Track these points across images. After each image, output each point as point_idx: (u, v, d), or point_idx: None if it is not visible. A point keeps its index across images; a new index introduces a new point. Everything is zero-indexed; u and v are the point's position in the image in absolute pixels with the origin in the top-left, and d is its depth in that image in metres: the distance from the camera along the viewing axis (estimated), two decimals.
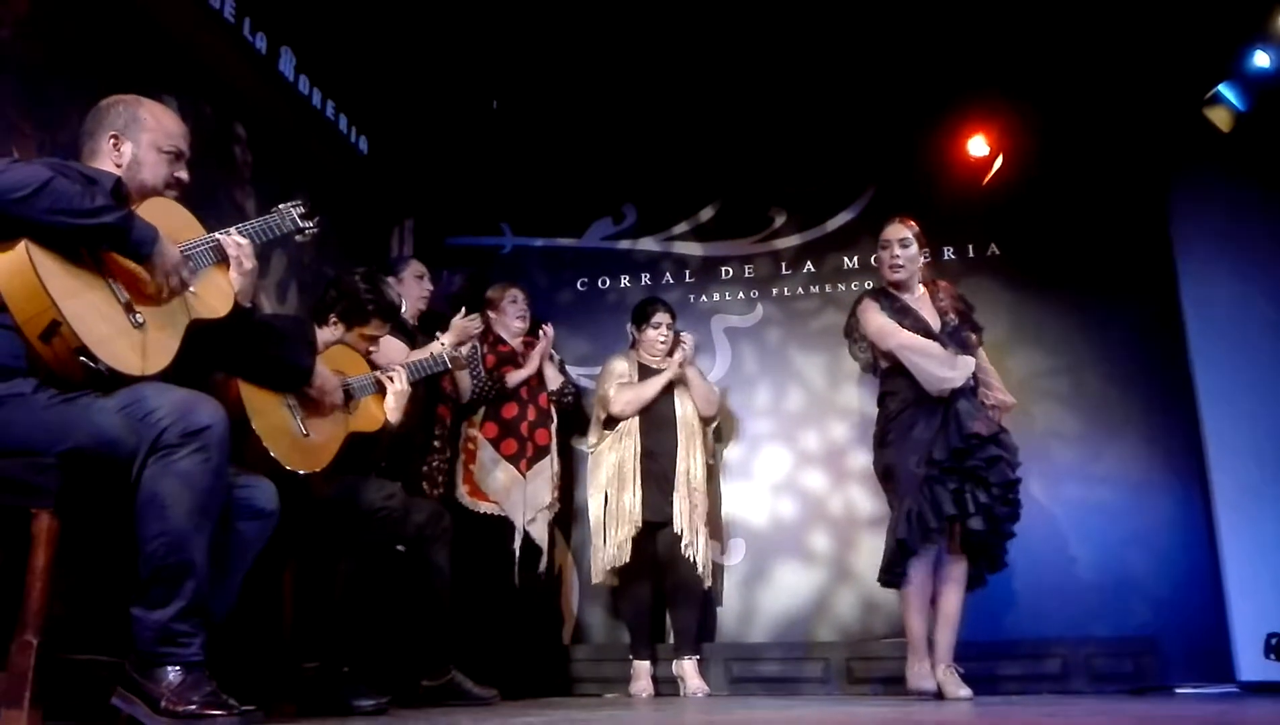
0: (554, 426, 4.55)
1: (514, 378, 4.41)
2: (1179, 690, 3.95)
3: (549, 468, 4.44)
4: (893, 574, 3.67)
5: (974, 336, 3.84)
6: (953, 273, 4.85)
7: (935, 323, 3.80)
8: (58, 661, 1.91)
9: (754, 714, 2.77)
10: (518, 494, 4.29)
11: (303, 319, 3.37)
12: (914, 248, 3.87)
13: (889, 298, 3.88)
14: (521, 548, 4.27)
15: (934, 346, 3.71)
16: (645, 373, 4.57)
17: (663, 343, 4.57)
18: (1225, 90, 4.34)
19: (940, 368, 3.66)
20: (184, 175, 2.36)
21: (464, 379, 4.25)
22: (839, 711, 2.78)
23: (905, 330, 3.74)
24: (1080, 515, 4.46)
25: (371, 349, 3.37)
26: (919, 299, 3.89)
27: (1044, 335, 4.72)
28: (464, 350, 3.86)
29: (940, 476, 3.57)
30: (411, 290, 4.18)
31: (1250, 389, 4.37)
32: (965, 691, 3.54)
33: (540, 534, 4.33)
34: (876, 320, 3.80)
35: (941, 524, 3.55)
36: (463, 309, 4.03)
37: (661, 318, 4.59)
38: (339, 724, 2.58)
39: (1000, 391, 3.85)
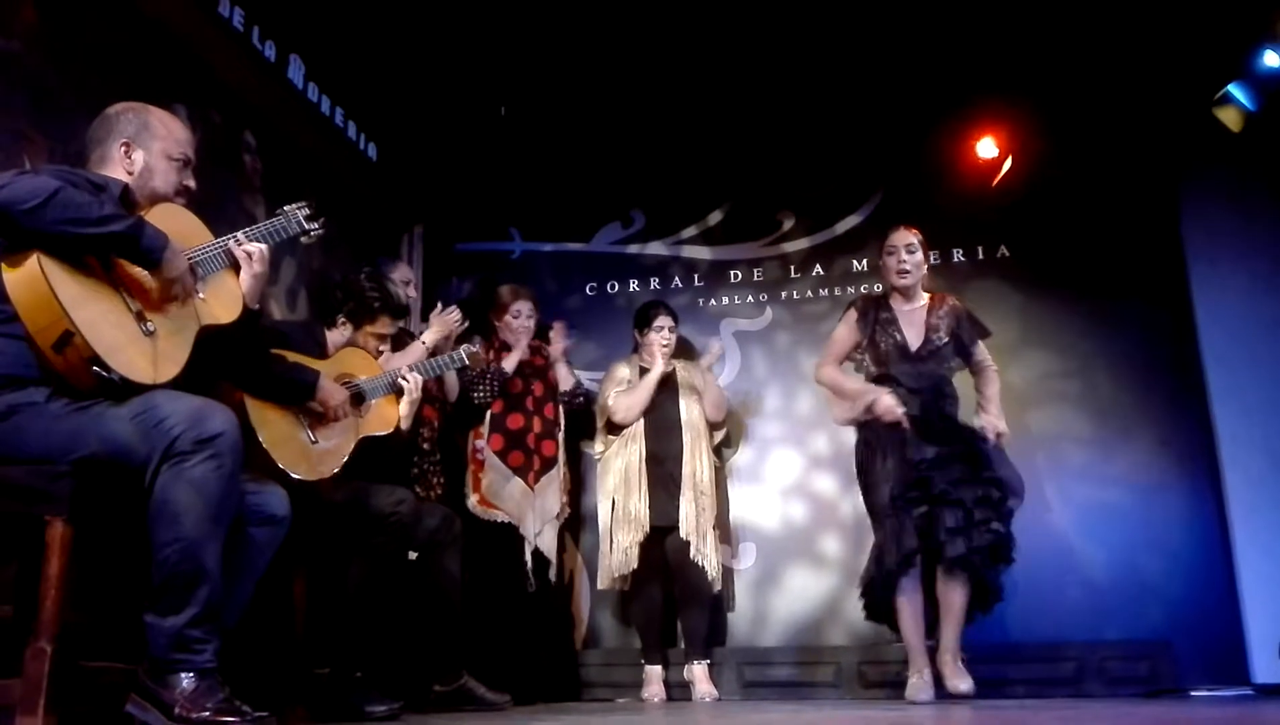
0: (561, 435, 4.52)
1: (509, 362, 4.38)
2: (1194, 693, 3.92)
3: (557, 478, 4.42)
4: (871, 604, 3.72)
5: (959, 360, 3.83)
6: (962, 275, 4.85)
7: (918, 338, 3.80)
8: (72, 668, 1.92)
9: (765, 718, 2.77)
10: (528, 507, 4.28)
11: (309, 324, 3.38)
12: (920, 254, 3.88)
13: (879, 307, 3.91)
14: (532, 556, 4.27)
15: (850, 384, 3.84)
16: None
17: (665, 346, 4.56)
18: (1235, 90, 4.32)
19: (841, 410, 3.84)
20: (191, 182, 2.37)
21: (451, 378, 4.18)
22: (851, 716, 2.77)
23: (829, 366, 3.92)
24: (1092, 517, 4.44)
25: (382, 348, 3.37)
26: (915, 310, 3.88)
27: (1054, 337, 4.70)
28: (478, 347, 3.81)
29: (906, 507, 3.58)
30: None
31: (1262, 389, 4.35)
32: (965, 686, 3.51)
33: (549, 543, 4.33)
34: (833, 337, 3.99)
35: (908, 557, 3.56)
36: (439, 304, 4.03)
37: (664, 321, 4.58)
38: None
39: (994, 417, 3.79)
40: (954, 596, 3.62)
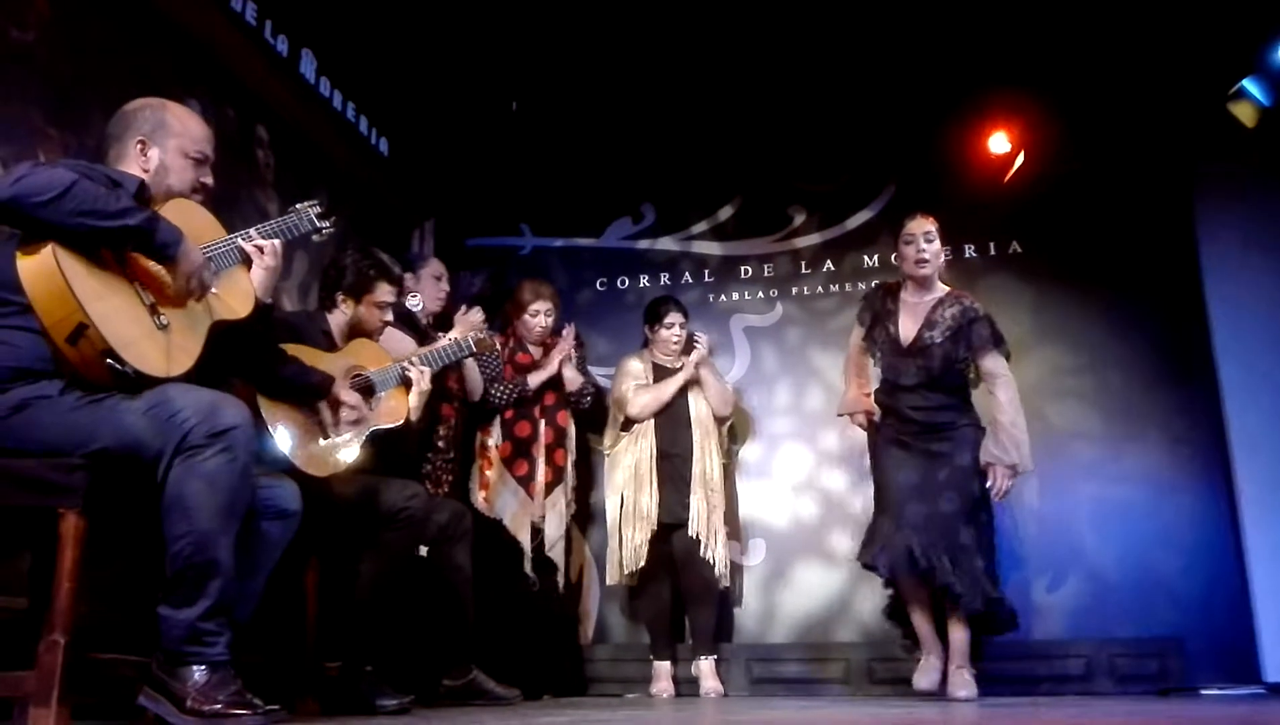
0: (571, 442, 4.48)
1: (535, 379, 4.36)
2: (1204, 691, 3.92)
3: (562, 497, 4.36)
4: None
5: (963, 362, 3.71)
6: (974, 270, 4.84)
7: (911, 332, 3.76)
8: (85, 661, 1.93)
9: (773, 714, 2.77)
10: (526, 518, 4.24)
11: (314, 314, 3.37)
12: (937, 243, 3.81)
13: (886, 298, 3.90)
14: (533, 560, 4.26)
15: (849, 385, 3.99)
16: (660, 372, 4.56)
17: (676, 342, 4.55)
18: (1249, 85, 4.30)
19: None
20: (209, 180, 2.37)
21: (473, 375, 4.13)
22: (859, 712, 2.77)
23: (850, 358, 4.04)
24: (1103, 515, 4.42)
25: (386, 318, 3.33)
26: (922, 303, 3.80)
27: (1067, 333, 4.68)
28: (486, 335, 3.79)
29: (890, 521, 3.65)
30: (428, 290, 4.11)
31: (1275, 386, 4.33)
32: (964, 692, 3.50)
33: (559, 551, 4.31)
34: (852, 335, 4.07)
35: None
36: (463, 307, 4.01)
37: (674, 317, 4.56)
38: (362, 723, 2.59)
39: (1000, 448, 3.56)
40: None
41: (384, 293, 3.28)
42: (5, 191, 1.90)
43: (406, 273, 4.14)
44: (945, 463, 3.61)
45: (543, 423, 4.39)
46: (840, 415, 4.11)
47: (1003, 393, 3.64)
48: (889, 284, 4.00)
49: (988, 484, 3.59)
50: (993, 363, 3.68)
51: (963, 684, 3.51)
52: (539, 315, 4.46)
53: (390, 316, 3.37)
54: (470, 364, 4.05)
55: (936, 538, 3.51)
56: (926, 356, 3.70)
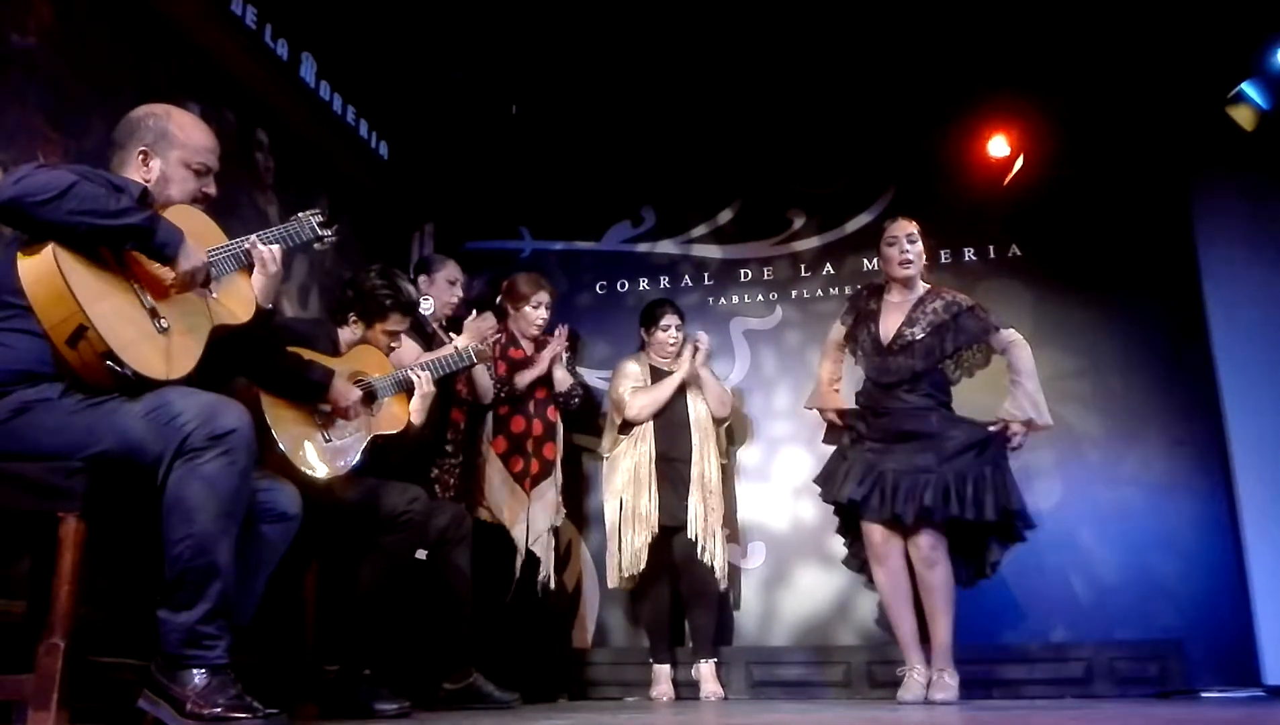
0: (560, 438, 4.45)
1: (524, 379, 4.33)
2: (1204, 694, 3.91)
3: (552, 489, 4.33)
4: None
5: (948, 358, 3.74)
6: (973, 274, 4.84)
7: (891, 331, 3.78)
8: (85, 664, 1.93)
9: (773, 718, 2.77)
10: (521, 515, 4.21)
11: (324, 321, 3.39)
12: (920, 244, 3.87)
13: (870, 298, 3.93)
14: (527, 559, 4.22)
15: (821, 387, 4.02)
16: (657, 375, 4.55)
17: (672, 344, 4.55)
18: (1248, 88, 4.30)
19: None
20: (211, 190, 2.37)
21: (482, 381, 4.12)
22: (858, 716, 2.77)
23: (824, 358, 4.08)
24: (1104, 518, 4.42)
25: (394, 345, 3.35)
26: (905, 302, 3.85)
27: (1066, 336, 4.68)
28: (488, 345, 3.79)
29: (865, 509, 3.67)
30: (441, 293, 4.10)
31: (1275, 389, 4.33)
32: (941, 695, 3.51)
33: (543, 550, 4.26)
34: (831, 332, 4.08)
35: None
36: (473, 311, 4.00)
37: (670, 319, 4.56)
38: None
39: (1018, 405, 3.65)
40: (932, 577, 3.58)
41: (395, 322, 3.31)
42: (7, 192, 1.91)
43: (421, 275, 4.15)
44: (930, 442, 3.64)
45: (535, 419, 4.37)
46: (808, 408, 4.15)
47: (1017, 355, 3.73)
48: (873, 285, 4.04)
49: (1001, 429, 3.64)
50: (999, 337, 3.76)
51: (942, 688, 3.51)
52: (540, 307, 4.44)
53: (398, 343, 3.39)
54: (480, 369, 4.04)
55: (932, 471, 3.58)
56: (908, 353, 3.73)
